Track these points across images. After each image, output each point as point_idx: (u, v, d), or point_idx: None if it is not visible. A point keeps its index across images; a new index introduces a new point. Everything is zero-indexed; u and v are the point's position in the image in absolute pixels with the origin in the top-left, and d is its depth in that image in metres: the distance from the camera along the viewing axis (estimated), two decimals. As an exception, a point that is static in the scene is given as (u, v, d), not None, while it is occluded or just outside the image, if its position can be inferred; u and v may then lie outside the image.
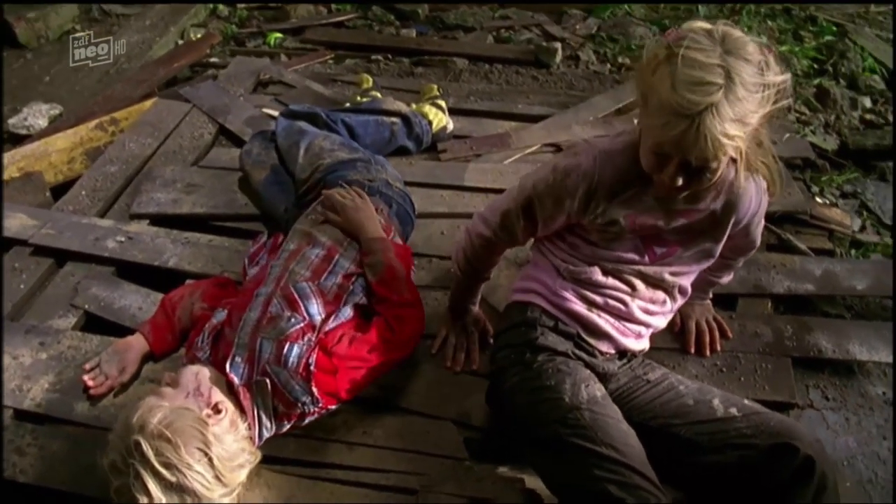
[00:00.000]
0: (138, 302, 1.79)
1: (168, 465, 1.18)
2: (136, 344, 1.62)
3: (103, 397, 1.56)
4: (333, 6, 3.95)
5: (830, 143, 2.68)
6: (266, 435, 1.39)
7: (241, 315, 1.46)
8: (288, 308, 1.43)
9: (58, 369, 1.61)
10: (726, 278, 1.63)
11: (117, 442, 1.23)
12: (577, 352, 1.41)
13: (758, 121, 1.09)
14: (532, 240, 1.53)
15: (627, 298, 1.41)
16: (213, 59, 3.34)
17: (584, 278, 1.40)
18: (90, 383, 1.55)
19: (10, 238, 1.96)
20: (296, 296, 1.45)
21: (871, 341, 1.70)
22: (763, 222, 1.46)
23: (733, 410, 1.34)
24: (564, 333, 1.41)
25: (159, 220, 2.08)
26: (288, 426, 1.41)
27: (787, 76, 1.09)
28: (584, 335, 1.42)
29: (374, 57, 3.32)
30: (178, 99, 2.68)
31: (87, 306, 1.77)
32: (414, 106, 2.42)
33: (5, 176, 2.29)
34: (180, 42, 3.55)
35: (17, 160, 2.38)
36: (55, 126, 2.68)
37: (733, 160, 1.14)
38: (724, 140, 1.06)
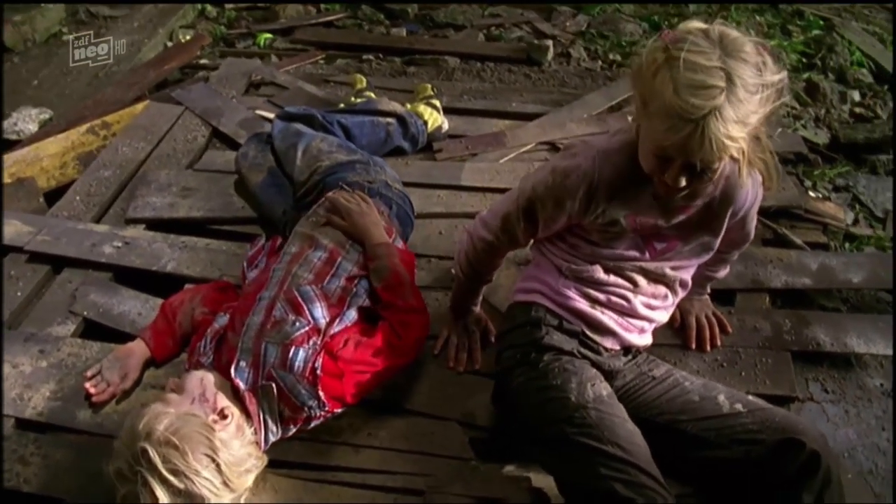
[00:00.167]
0: (137, 307, 1.78)
1: (176, 472, 1.18)
2: (138, 350, 1.61)
3: (105, 404, 1.55)
4: (322, 6, 3.93)
5: (822, 137, 2.71)
6: (272, 439, 1.39)
7: (243, 319, 1.46)
8: (292, 312, 1.43)
9: (59, 377, 1.60)
10: (722, 272, 1.65)
11: (123, 449, 1.22)
12: (582, 350, 1.42)
13: (758, 120, 1.10)
14: (532, 241, 1.53)
15: (630, 294, 1.42)
16: (202, 61, 3.31)
17: (586, 277, 1.41)
18: (92, 391, 1.54)
19: (6, 245, 1.94)
20: (300, 299, 1.44)
21: (868, 334, 1.72)
22: (756, 215, 1.47)
23: (738, 406, 1.36)
24: (569, 332, 1.42)
25: (156, 224, 2.07)
26: (294, 430, 1.41)
27: (784, 74, 1.10)
28: (588, 333, 1.43)
29: (365, 57, 3.31)
30: (169, 102, 2.67)
31: (85, 313, 1.76)
32: (409, 106, 2.42)
33: (-3, 182, 2.27)
34: (169, 44, 3.52)
35: (8, 166, 2.35)
36: (46, 131, 2.66)
37: (734, 158, 1.15)
38: (728, 142, 1.07)
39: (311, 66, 3.19)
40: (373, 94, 2.56)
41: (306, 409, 1.36)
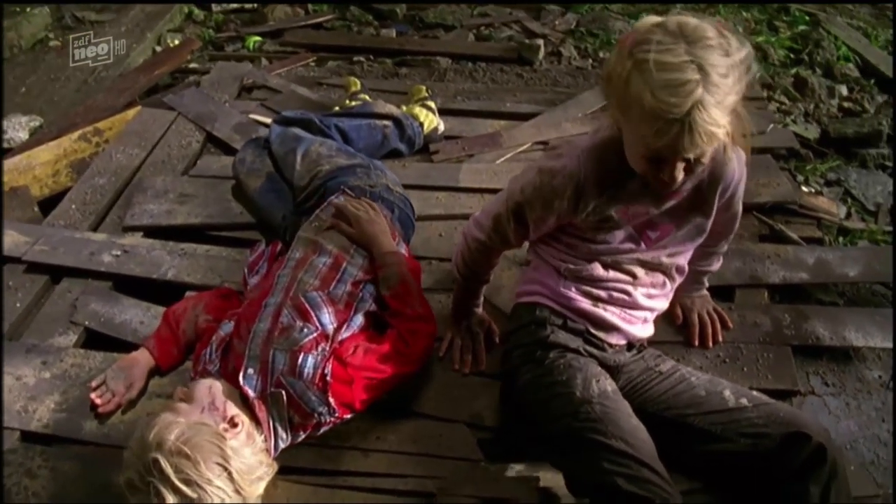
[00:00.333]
0: (139, 316, 1.77)
1: (188, 482, 1.18)
2: (142, 359, 1.60)
3: (111, 415, 1.53)
4: (310, 7, 3.92)
5: (812, 132, 2.74)
6: (282, 445, 1.39)
7: (249, 326, 1.45)
8: (299, 318, 1.43)
9: (63, 388, 1.58)
10: (716, 265, 1.66)
11: (134, 460, 1.21)
12: (587, 348, 1.44)
13: (736, 98, 1.11)
14: (525, 241, 1.54)
15: (630, 287, 1.44)
16: (192, 65, 3.29)
17: (585, 275, 1.42)
18: (98, 401, 1.52)
19: (3, 256, 1.92)
20: (307, 305, 1.44)
21: (865, 327, 1.74)
22: (742, 198, 1.48)
23: (744, 401, 1.38)
24: (573, 330, 1.44)
25: (154, 231, 2.06)
26: (303, 436, 1.42)
27: (748, 47, 1.11)
28: (592, 330, 1.44)
29: (356, 58, 3.31)
30: (162, 107, 2.65)
31: (87, 322, 1.75)
32: (404, 108, 2.42)
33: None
34: (158, 48, 3.50)
35: (-1, 175, 2.33)
36: (37, 138, 2.63)
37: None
38: (716, 129, 1.08)
39: (302, 68, 3.18)
40: (367, 97, 2.56)
41: (316, 415, 1.36)
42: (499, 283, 1.84)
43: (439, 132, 2.42)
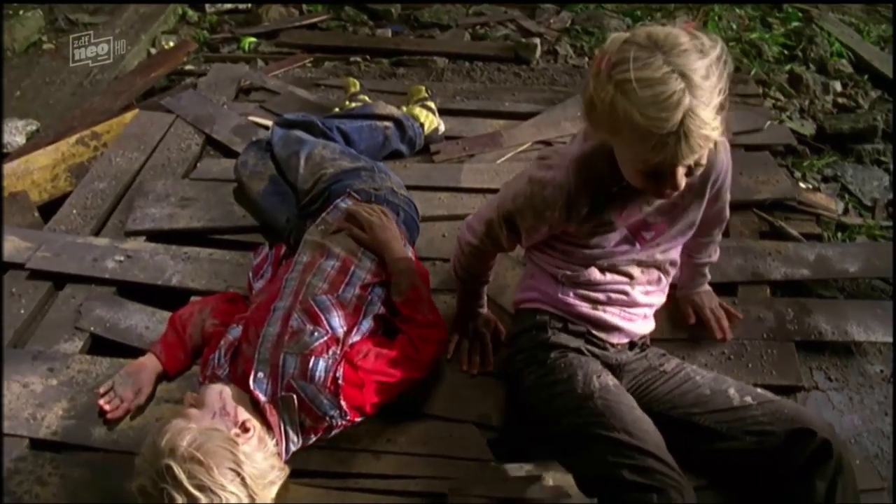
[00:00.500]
0: (144, 321, 1.77)
1: (202, 488, 1.18)
2: (150, 364, 1.60)
3: (120, 421, 1.53)
4: (305, 7, 3.91)
5: (808, 129, 2.76)
6: (293, 449, 1.40)
7: (258, 330, 1.45)
8: (310, 322, 1.43)
9: (70, 395, 1.58)
10: (715, 255, 1.65)
11: (146, 466, 1.21)
12: (589, 347, 1.45)
13: (721, 96, 1.09)
14: (518, 246, 1.53)
15: (628, 287, 1.45)
16: (188, 67, 3.28)
17: (583, 281, 1.43)
18: (106, 407, 1.52)
19: (5, 262, 1.91)
20: (316, 309, 1.45)
21: (867, 321, 1.76)
22: (729, 186, 1.47)
23: (748, 399, 1.39)
24: (575, 332, 1.46)
25: (156, 235, 2.05)
26: (314, 439, 1.42)
27: (719, 43, 1.10)
28: (594, 332, 1.46)
29: (352, 59, 3.30)
30: (159, 110, 2.64)
31: (92, 328, 1.74)
32: (404, 109, 2.43)
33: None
34: (153, 51, 3.48)
35: (-2, 180, 2.32)
36: (34, 143, 2.61)
37: None
38: (710, 132, 1.08)
39: (299, 69, 3.18)
40: (367, 98, 2.56)
41: (328, 418, 1.37)
42: (503, 283, 1.85)
43: (440, 133, 2.43)
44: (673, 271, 1.51)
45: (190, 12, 3.88)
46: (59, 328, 1.75)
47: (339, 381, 1.35)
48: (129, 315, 1.78)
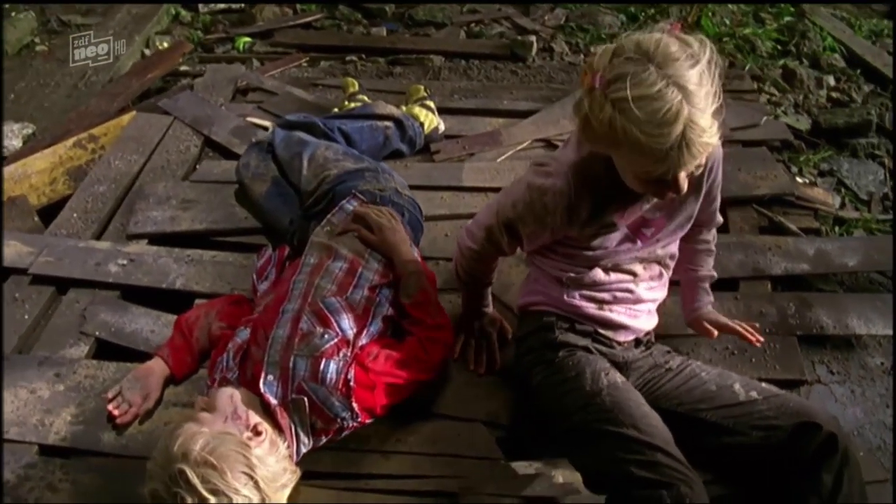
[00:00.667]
0: (149, 325, 1.77)
1: (215, 492, 1.18)
2: (157, 368, 1.60)
3: (129, 425, 1.54)
4: (299, 6, 3.89)
5: (803, 123, 2.78)
6: (304, 451, 1.40)
7: (267, 333, 1.46)
8: (319, 324, 1.43)
9: (78, 400, 1.58)
10: (712, 266, 1.62)
11: (159, 471, 1.21)
12: (596, 346, 1.46)
13: (715, 97, 1.10)
14: (519, 249, 1.54)
15: (632, 285, 1.46)
16: (183, 68, 3.26)
17: (588, 282, 1.44)
18: (115, 412, 1.52)
19: (7, 267, 1.91)
20: (326, 311, 1.45)
21: (867, 315, 1.79)
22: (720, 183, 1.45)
23: (754, 394, 1.41)
24: (582, 332, 1.47)
25: (158, 238, 2.05)
26: (325, 440, 1.43)
27: (708, 44, 1.09)
28: (601, 331, 1.47)
29: (348, 58, 3.29)
30: (157, 112, 2.63)
31: (97, 333, 1.74)
32: (404, 108, 2.43)
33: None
34: (146, 51, 3.46)
35: (-5, 184, 2.30)
36: (31, 146, 2.59)
37: None
38: (709, 138, 1.09)
39: (295, 69, 3.17)
40: (366, 98, 2.55)
41: (339, 420, 1.37)
42: (507, 281, 1.86)
43: (440, 132, 2.43)
44: (672, 264, 1.52)
45: (183, 12, 3.85)
46: (63, 333, 1.75)
47: (351, 384, 1.36)
48: (134, 319, 1.78)
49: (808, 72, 3.17)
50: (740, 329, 1.54)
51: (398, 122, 2.27)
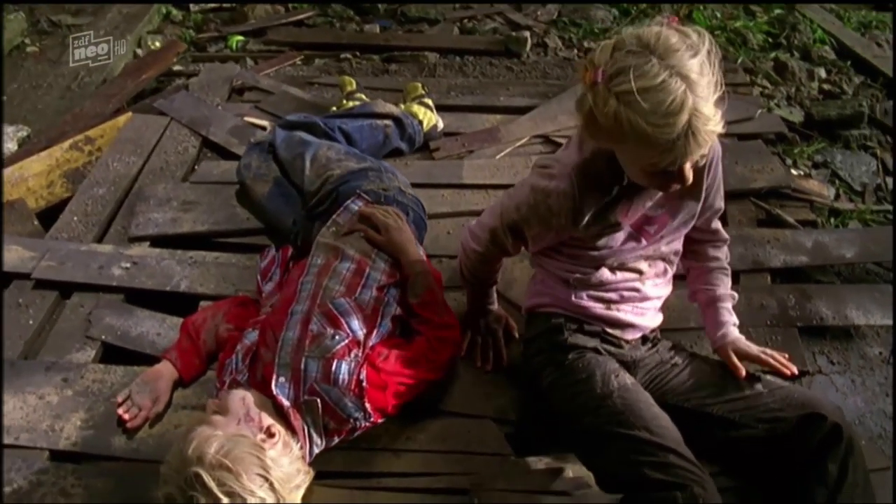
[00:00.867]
0: (155, 328, 1.77)
1: (231, 494, 1.19)
2: (165, 371, 1.60)
3: (139, 429, 1.54)
4: (291, 4, 3.88)
5: (796, 116, 2.81)
6: (316, 451, 1.41)
7: (277, 335, 1.46)
8: (329, 325, 1.44)
9: (87, 405, 1.58)
10: (728, 280, 1.58)
11: (173, 475, 1.22)
12: (604, 346, 1.47)
13: (719, 90, 1.11)
14: (523, 249, 1.55)
15: (638, 284, 1.48)
16: (176, 68, 3.24)
17: (594, 282, 1.45)
18: (125, 416, 1.52)
19: (10, 272, 1.90)
20: (336, 312, 1.46)
21: (865, 305, 1.82)
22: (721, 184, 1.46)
23: (759, 387, 1.43)
24: (590, 332, 1.48)
25: (160, 240, 2.04)
26: (337, 440, 1.43)
27: (706, 35, 1.11)
28: (609, 330, 1.48)
29: (343, 56, 3.29)
30: (153, 112, 2.62)
31: (103, 337, 1.74)
32: (402, 106, 2.43)
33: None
34: (138, 51, 3.44)
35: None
36: (26, 149, 2.57)
37: None
38: (714, 126, 1.10)
39: (290, 67, 3.16)
40: (364, 96, 2.56)
41: (352, 420, 1.38)
42: (511, 277, 1.87)
43: (438, 129, 2.44)
44: (675, 260, 1.54)
45: (174, 11, 3.83)
46: (69, 338, 1.75)
47: (364, 384, 1.37)
48: (140, 322, 1.78)
49: (800, 64, 3.20)
50: (772, 361, 1.49)
51: (397, 121, 2.27)
